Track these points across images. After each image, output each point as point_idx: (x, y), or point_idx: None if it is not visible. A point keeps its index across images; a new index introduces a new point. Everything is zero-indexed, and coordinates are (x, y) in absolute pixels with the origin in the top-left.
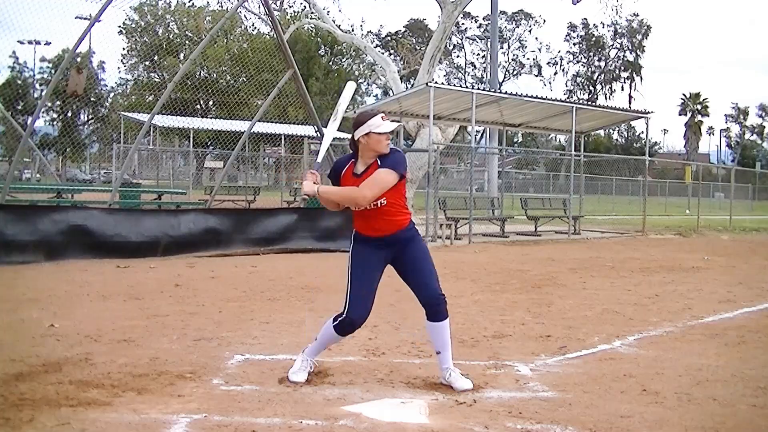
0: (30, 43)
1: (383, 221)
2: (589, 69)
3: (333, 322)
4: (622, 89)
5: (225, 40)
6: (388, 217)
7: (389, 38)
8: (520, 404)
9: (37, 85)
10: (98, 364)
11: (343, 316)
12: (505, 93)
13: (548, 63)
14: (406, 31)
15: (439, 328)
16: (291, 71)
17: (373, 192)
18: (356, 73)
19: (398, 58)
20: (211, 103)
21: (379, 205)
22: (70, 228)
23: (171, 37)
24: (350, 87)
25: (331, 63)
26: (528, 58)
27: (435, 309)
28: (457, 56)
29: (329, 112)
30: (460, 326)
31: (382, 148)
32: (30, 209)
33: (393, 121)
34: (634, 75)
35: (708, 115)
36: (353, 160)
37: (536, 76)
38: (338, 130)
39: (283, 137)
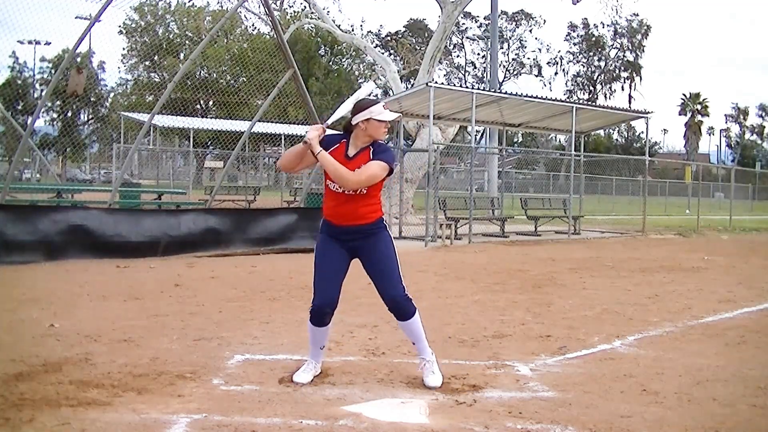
0: (30, 43)
1: (353, 209)
2: (589, 69)
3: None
4: (622, 89)
5: (225, 40)
6: (359, 206)
7: (389, 38)
8: (520, 404)
9: (37, 85)
10: (98, 364)
11: (310, 305)
12: (505, 93)
13: (548, 63)
14: (406, 31)
15: (407, 325)
16: (291, 71)
17: (364, 181)
18: (356, 73)
19: (398, 58)
20: (211, 103)
21: (357, 192)
22: (70, 228)
23: (171, 37)
24: (366, 88)
25: (331, 63)
26: (528, 58)
27: (397, 311)
28: (457, 56)
29: (329, 112)
30: (460, 326)
31: (380, 134)
32: (30, 209)
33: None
34: (634, 75)
35: (708, 115)
36: (344, 140)
37: (536, 76)
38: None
39: (283, 137)
